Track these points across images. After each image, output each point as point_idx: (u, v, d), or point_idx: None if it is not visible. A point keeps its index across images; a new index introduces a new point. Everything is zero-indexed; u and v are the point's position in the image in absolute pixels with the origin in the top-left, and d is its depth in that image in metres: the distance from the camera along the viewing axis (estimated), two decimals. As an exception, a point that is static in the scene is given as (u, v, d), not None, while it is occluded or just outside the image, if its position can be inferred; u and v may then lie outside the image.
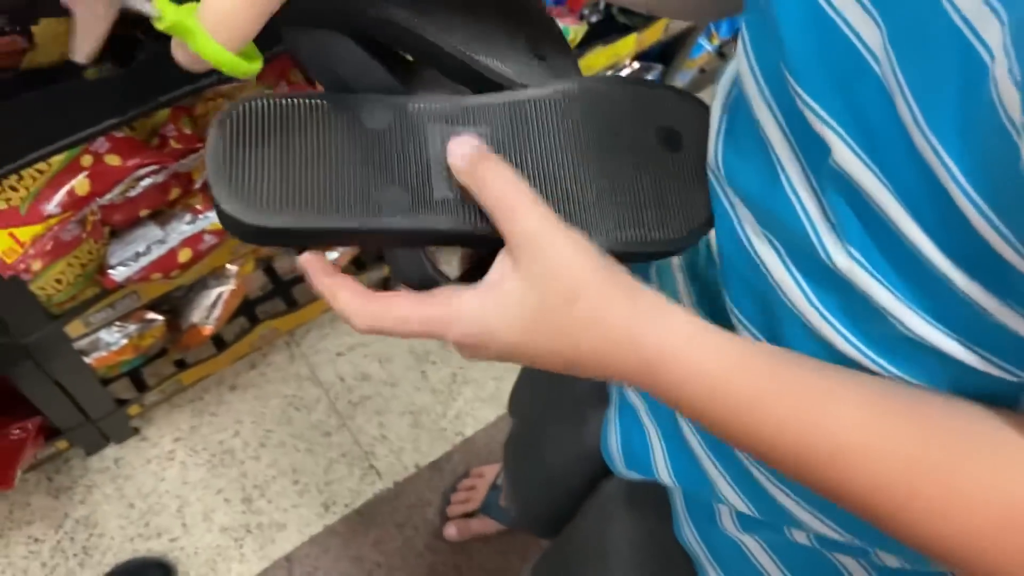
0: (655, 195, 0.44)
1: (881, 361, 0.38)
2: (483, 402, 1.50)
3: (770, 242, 0.41)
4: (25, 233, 0.79)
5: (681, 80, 1.62)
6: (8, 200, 0.77)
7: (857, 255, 0.36)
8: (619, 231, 0.42)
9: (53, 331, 0.96)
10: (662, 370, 0.35)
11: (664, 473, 0.57)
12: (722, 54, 1.67)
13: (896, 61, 0.32)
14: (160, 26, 0.34)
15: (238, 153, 0.38)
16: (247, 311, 1.38)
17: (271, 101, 0.39)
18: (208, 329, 1.22)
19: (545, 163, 0.42)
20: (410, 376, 1.50)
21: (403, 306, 0.39)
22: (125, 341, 1.15)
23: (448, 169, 0.40)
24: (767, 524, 0.52)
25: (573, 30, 1.11)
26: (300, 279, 1.46)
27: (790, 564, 0.54)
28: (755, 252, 0.42)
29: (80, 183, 0.79)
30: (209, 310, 1.22)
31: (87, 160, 0.80)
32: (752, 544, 0.55)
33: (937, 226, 0.33)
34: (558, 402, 0.88)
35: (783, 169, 0.39)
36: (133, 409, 1.28)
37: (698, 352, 0.35)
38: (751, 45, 0.40)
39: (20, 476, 1.15)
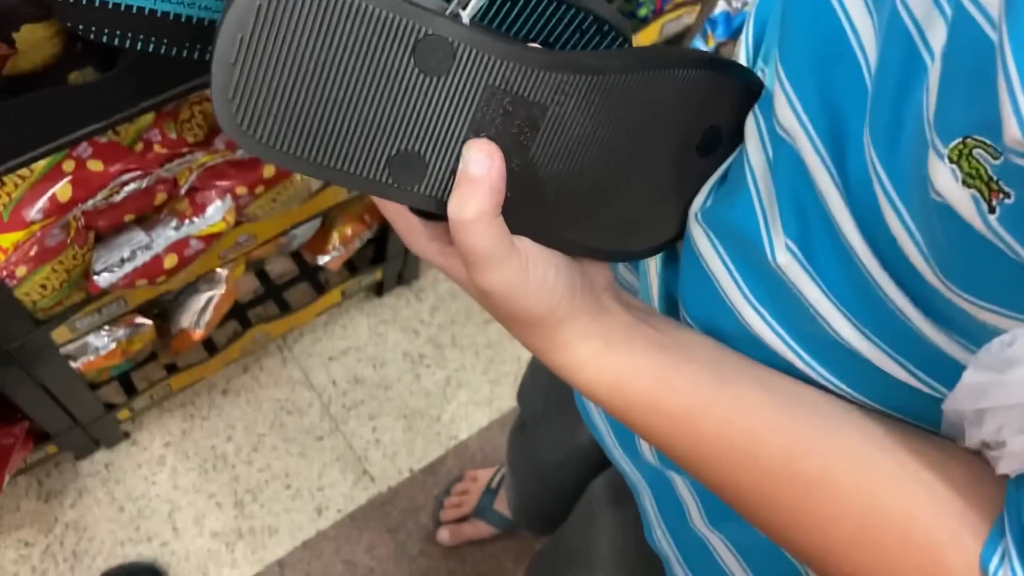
0: (664, 204, 0.43)
1: (811, 361, 0.39)
2: (477, 405, 1.49)
3: (706, 233, 0.42)
4: (7, 240, 0.78)
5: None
6: (-11, 206, 0.76)
7: (795, 249, 0.36)
8: (600, 242, 0.41)
9: (39, 337, 0.95)
10: (575, 381, 0.42)
11: (648, 453, 0.58)
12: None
13: (875, 52, 0.32)
14: None
15: (255, 58, 0.31)
16: (239, 315, 1.38)
17: None
18: (198, 334, 1.21)
19: (576, 153, 0.38)
20: (404, 379, 1.49)
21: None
22: (113, 345, 1.14)
23: None
24: (732, 516, 0.53)
25: (565, 32, 1.10)
26: (292, 283, 1.45)
27: (753, 563, 0.54)
28: (693, 241, 0.43)
29: (62, 189, 0.78)
30: (199, 314, 1.21)
31: (69, 165, 0.79)
32: (718, 543, 0.56)
33: (873, 235, 0.33)
34: (558, 396, 0.88)
35: (750, 164, 0.39)
36: (123, 414, 1.27)
37: (594, 372, 0.41)
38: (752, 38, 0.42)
39: (9, 480, 1.14)
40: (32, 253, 0.82)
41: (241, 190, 0.96)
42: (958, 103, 0.26)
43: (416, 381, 1.49)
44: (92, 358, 1.13)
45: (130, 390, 1.29)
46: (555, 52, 0.36)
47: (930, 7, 0.28)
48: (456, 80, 0.34)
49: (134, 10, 0.34)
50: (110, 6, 0.33)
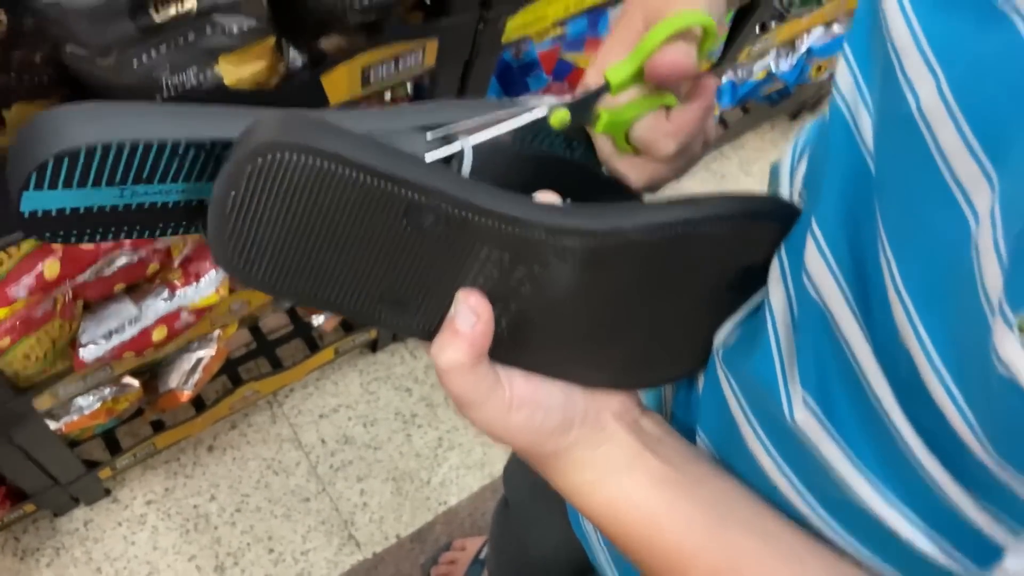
0: (682, 342, 0.40)
1: (829, 519, 0.37)
2: (468, 469, 1.45)
3: (726, 376, 0.41)
4: (-11, 318, 0.75)
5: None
6: (-27, 283, 0.74)
7: (813, 404, 0.35)
8: (612, 376, 0.40)
9: (20, 404, 0.92)
10: (567, 499, 0.43)
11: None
12: (723, 122, 1.65)
13: (879, 206, 0.31)
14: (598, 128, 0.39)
15: (249, 212, 0.30)
16: (229, 370, 1.35)
17: (312, 161, 0.30)
18: (186, 395, 1.18)
19: (584, 303, 0.35)
20: (395, 440, 1.46)
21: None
22: (98, 405, 1.11)
23: None
24: None
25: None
26: (285, 339, 1.42)
27: None
28: (716, 374, 0.42)
29: (50, 266, 0.76)
30: (188, 375, 1.18)
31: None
32: None
33: (910, 401, 0.31)
34: (546, 486, 0.85)
35: (771, 307, 0.38)
36: (104, 472, 1.24)
37: (587, 498, 0.41)
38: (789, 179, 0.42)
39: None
40: (16, 324, 0.80)
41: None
42: None
43: (407, 442, 1.46)
44: (75, 418, 1.10)
45: (113, 445, 1.26)
46: (561, 212, 0.34)
47: (977, 172, 0.27)
48: (450, 240, 0.33)
49: (107, 209, 0.32)
50: (81, 211, 0.32)
